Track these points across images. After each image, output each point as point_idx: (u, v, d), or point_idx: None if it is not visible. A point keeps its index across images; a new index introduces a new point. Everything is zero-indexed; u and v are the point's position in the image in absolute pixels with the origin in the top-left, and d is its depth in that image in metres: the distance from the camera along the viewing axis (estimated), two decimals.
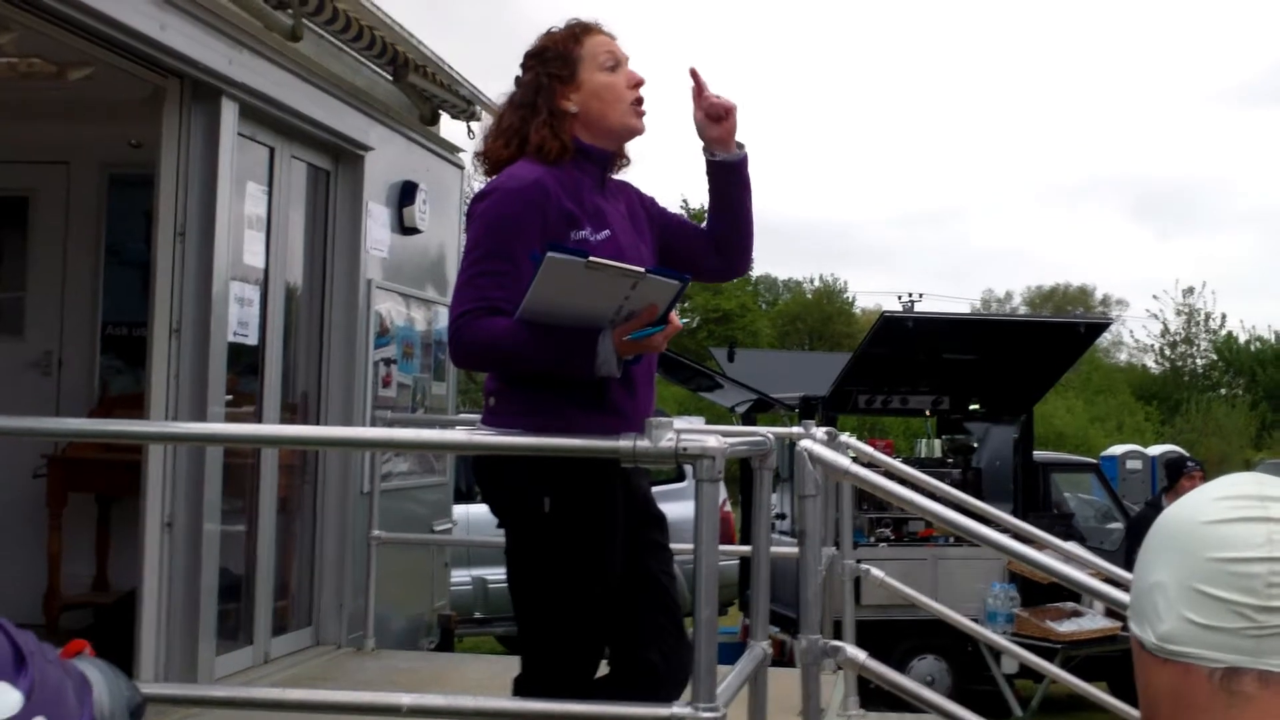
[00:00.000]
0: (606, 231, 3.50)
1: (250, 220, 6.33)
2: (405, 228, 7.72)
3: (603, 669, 3.66)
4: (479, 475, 3.63)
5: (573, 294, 3.23)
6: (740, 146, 3.71)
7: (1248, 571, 1.28)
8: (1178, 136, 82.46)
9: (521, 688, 3.57)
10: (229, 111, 5.94)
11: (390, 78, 7.80)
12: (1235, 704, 1.28)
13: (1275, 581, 1.27)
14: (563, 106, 3.56)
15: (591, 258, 3.17)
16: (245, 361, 6.38)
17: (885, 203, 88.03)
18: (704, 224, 3.84)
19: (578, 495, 3.41)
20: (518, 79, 3.67)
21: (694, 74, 3.66)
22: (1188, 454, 15.64)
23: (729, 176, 3.71)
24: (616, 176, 3.76)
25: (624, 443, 3.03)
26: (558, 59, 3.59)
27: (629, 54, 3.68)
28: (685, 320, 42.65)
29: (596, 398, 3.44)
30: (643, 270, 3.22)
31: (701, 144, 3.71)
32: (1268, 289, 73.28)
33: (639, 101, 3.63)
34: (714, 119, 3.66)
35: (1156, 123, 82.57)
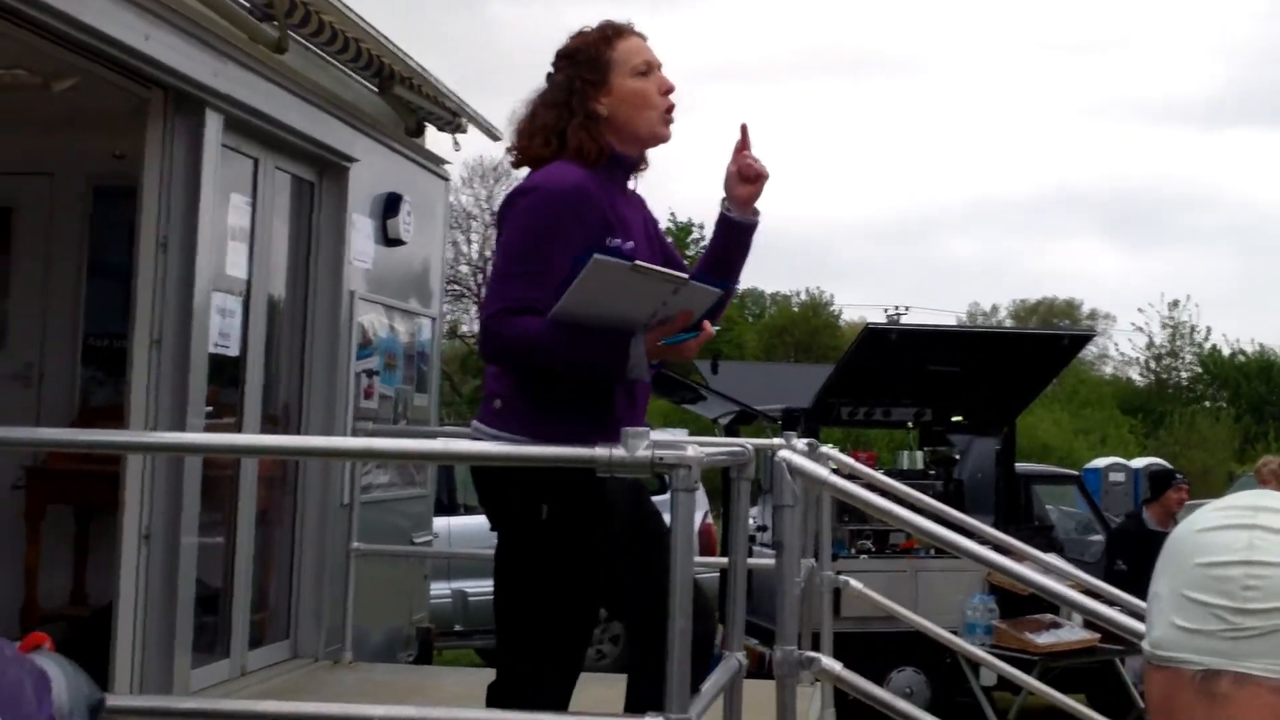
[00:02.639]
0: (631, 242, 3.53)
1: (233, 231, 6.33)
2: (389, 239, 7.71)
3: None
4: (477, 480, 3.63)
5: (612, 297, 3.24)
6: (756, 213, 3.72)
7: (1226, 575, 1.31)
8: (1146, 152, 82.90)
9: (497, 696, 3.56)
10: (213, 123, 5.94)
11: (376, 90, 7.80)
12: (1215, 705, 1.31)
13: (1251, 584, 1.30)
14: (595, 110, 3.57)
15: (638, 262, 3.20)
16: (226, 373, 6.37)
17: (868, 216, 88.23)
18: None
19: (576, 504, 3.41)
20: (549, 76, 3.67)
21: (744, 129, 3.67)
22: (1171, 466, 15.68)
23: (733, 235, 3.73)
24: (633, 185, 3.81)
25: (600, 452, 3.02)
26: (589, 62, 3.59)
27: (660, 59, 3.68)
28: None
29: (602, 410, 3.47)
30: (685, 277, 3.29)
31: (723, 196, 3.72)
32: (1242, 303, 73.76)
33: (669, 109, 3.64)
34: (744, 178, 3.66)
35: (1125, 138, 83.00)
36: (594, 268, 3.15)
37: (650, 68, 3.62)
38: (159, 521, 5.74)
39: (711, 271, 3.74)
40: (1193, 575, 1.33)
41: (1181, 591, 1.34)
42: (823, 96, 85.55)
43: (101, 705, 1.32)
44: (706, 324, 3.38)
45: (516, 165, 3.68)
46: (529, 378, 3.49)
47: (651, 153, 3.79)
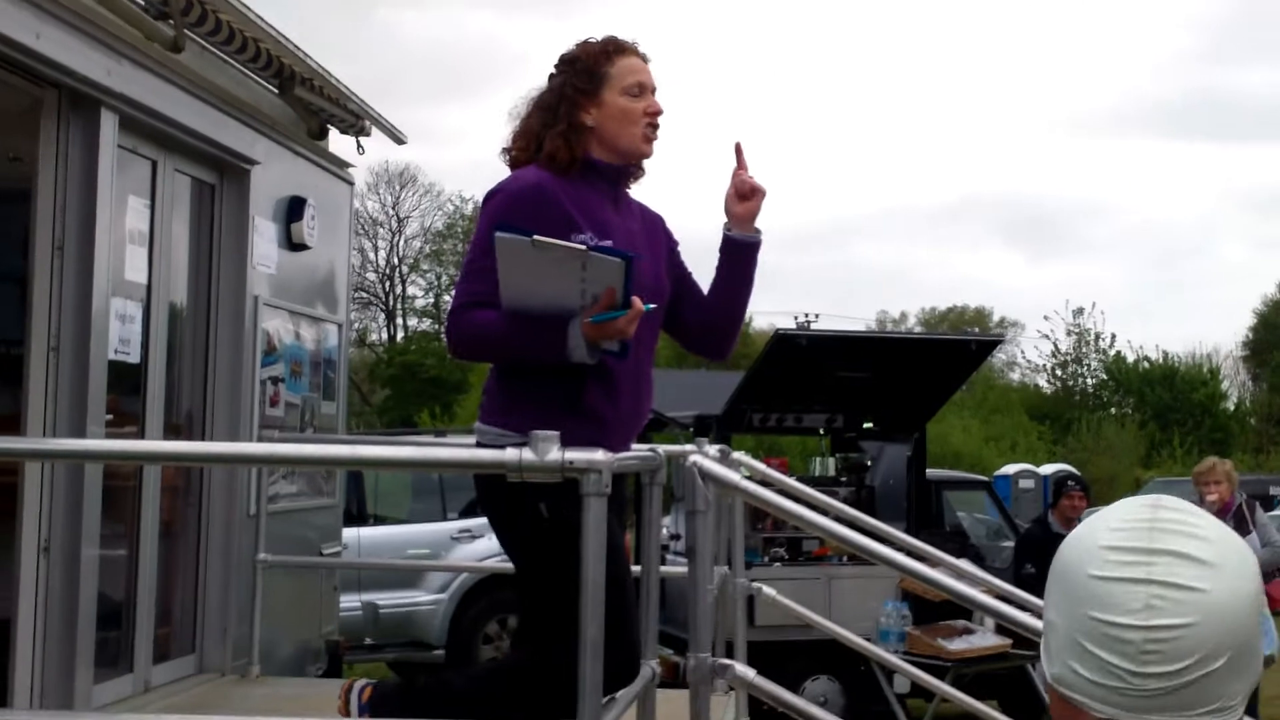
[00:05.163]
0: (610, 241, 3.56)
1: (132, 235, 6.18)
2: (294, 244, 7.57)
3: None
4: (478, 487, 3.71)
5: (535, 277, 3.38)
6: (757, 232, 3.85)
7: (1124, 637, 1.30)
8: (1042, 161, 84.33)
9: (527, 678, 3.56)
10: (109, 123, 5.79)
11: (276, 91, 7.67)
12: None
13: (1150, 650, 1.29)
14: (581, 120, 3.68)
15: (536, 236, 3.31)
16: (127, 381, 6.21)
17: (776, 224, 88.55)
18: None
19: (570, 497, 3.34)
20: (550, 77, 3.78)
21: (738, 149, 3.80)
22: (1077, 473, 15.85)
23: (736, 254, 3.85)
24: (644, 203, 3.92)
25: (510, 455, 2.95)
26: (585, 73, 3.70)
27: (657, 83, 3.79)
28: None
29: (572, 401, 3.52)
30: (584, 247, 3.37)
31: (724, 219, 3.85)
32: (1138, 311, 75.16)
33: (652, 125, 3.75)
34: (740, 195, 3.80)
35: (1021, 147, 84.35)
36: (500, 246, 3.35)
37: (643, 90, 3.74)
38: (59, 533, 5.58)
39: (714, 291, 3.89)
40: (1088, 626, 1.32)
41: (1077, 639, 1.33)
42: (732, 103, 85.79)
43: None
44: (635, 300, 3.42)
45: (510, 166, 3.78)
46: (503, 374, 3.65)
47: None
